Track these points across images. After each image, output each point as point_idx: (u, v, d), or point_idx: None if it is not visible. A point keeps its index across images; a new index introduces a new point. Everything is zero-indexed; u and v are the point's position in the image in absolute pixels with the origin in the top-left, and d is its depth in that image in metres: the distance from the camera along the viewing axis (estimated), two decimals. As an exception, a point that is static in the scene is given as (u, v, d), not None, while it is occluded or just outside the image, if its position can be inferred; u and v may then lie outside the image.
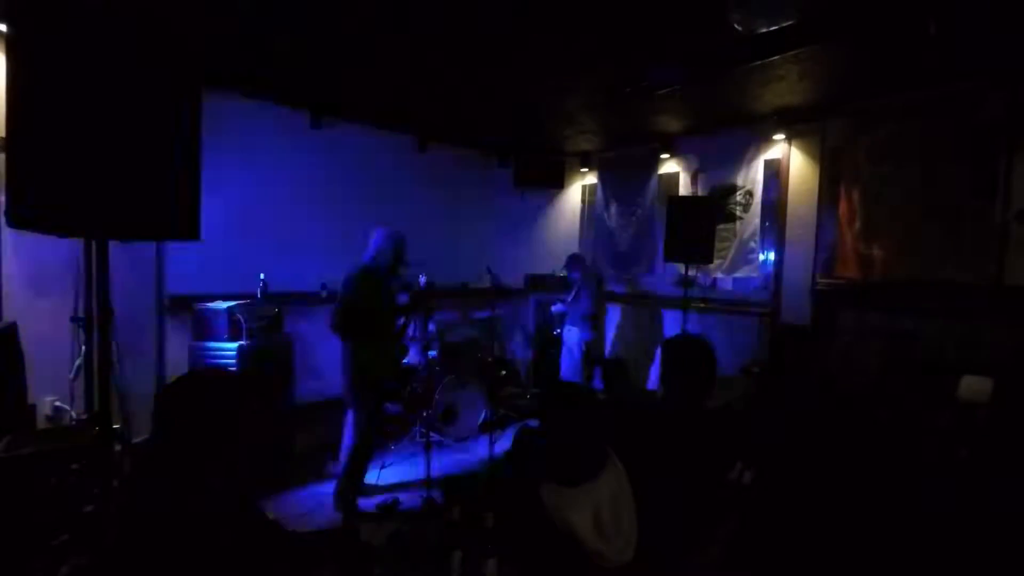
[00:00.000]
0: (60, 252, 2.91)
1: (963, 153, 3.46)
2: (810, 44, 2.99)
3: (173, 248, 3.69)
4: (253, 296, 3.68)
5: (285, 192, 4.42)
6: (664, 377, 1.92)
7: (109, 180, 1.42)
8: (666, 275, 5.37)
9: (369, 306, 2.99)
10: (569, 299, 4.86)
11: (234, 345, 3.19)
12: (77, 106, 1.37)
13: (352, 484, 3.09)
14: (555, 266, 5.34)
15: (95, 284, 1.61)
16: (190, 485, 1.18)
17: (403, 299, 3.44)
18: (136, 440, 2.67)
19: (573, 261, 4.95)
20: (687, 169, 5.18)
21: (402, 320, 3.35)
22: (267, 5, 2.77)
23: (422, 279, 3.44)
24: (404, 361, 4.01)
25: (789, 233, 4.44)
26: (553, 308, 5.12)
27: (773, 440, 2.39)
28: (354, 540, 2.72)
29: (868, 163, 3.89)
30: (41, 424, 2.96)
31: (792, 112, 4.20)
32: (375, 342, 3.04)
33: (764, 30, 2.65)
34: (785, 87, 3.73)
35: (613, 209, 5.69)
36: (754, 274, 4.74)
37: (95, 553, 1.49)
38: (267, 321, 3.46)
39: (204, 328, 3.29)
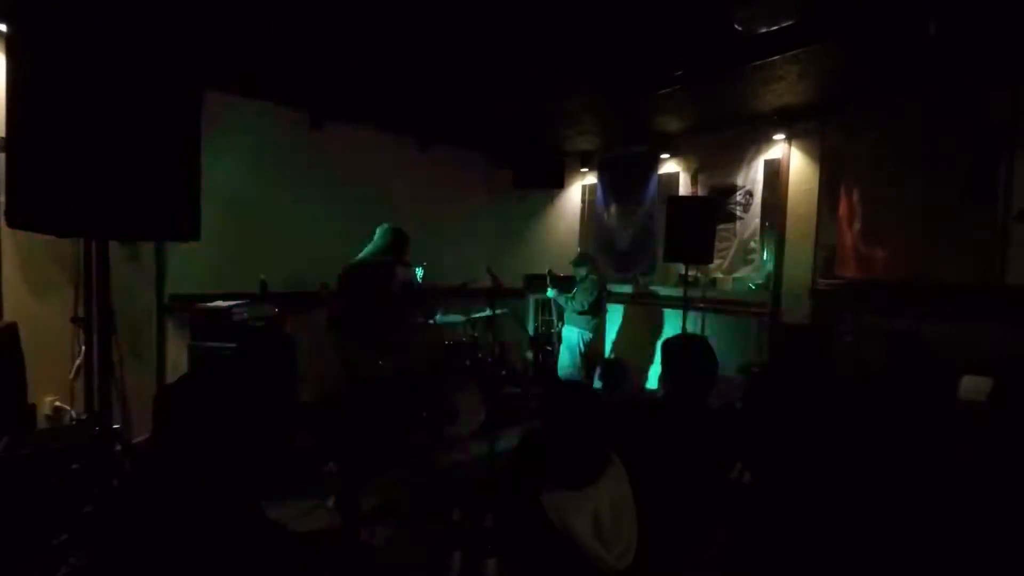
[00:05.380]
0: (60, 252, 2.91)
1: (963, 153, 3.46)
2: (810, 44, 2.99)
3: (173, 248, 3.69)
4: (253, 296, 3.68)
5: (285, 192, 4.42)
6: (664, 377, 1.92)
7: (109, 180, 1.42)
8: (666, 275, 5.38)
9: (366, 303, 2.98)
10: (570, 295, 4.85)
11: (234, 345, 3.18)
12: (77, 106, 1.37)
13: (350, 485, 3.09)
14: (557, 265, 5.33)
15: (95, 284, 1.61)
16: (190, 485, 1.18)
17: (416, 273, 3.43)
18: (136, 440, 2.67)
19: (581, 259, 4.93)
20: (687, 169, 5.17)
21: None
22: (267, 7, 2.77)
23: (418, 271, 3.45)
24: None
25: (789, 233, 4.44)
26: (548, 292, 5.06)
27: (773, 440, 2.39)
28: (354, 540, 2.72)
29: (868, 163, 3.88)
30: (41, 424, 2.96)
31: (792, 112, 4.20)
32: (371, 340, 3.03)
33: (764, 30, 2.65)
34: (785, 87, 3.72)
35: (613, 209, 5.69)
36: (754, 274, 4.74)
37: (95, 553, 1.49)
38: (267, 321, 3.46)
39: (204, 328, 3.28)
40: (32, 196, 1.36)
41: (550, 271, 5.17)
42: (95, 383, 1.65)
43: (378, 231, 3.15)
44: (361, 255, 3.08)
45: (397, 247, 3.12)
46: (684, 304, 4.47)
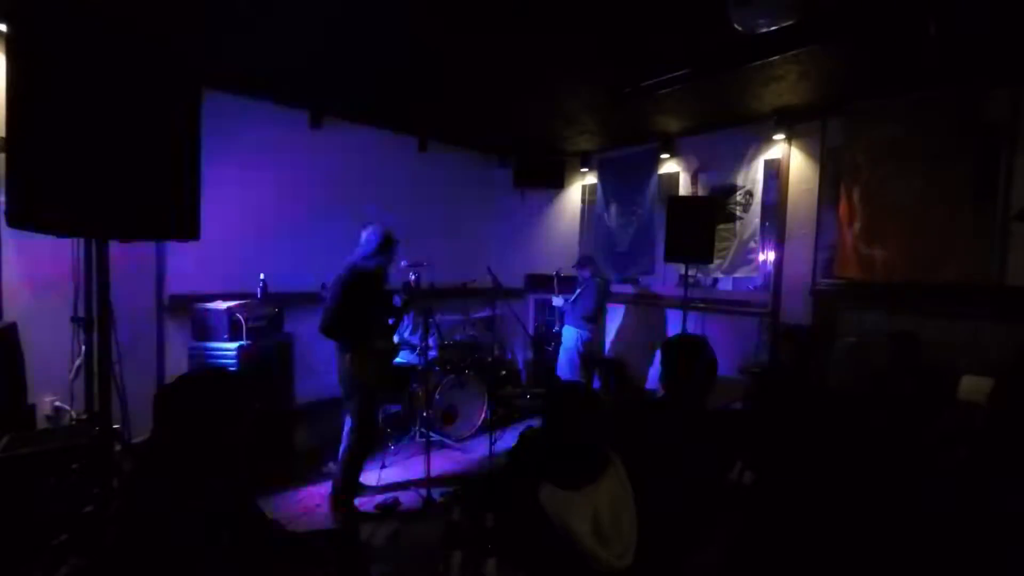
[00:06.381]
0: (60, 252, 2.91)
1: (963, 153, 3.46)
2: (810, 44, 2.99)
3: (173, 248, 3.69)
4: (253, 296, 3.68)
5: (285, 192, 4.42)
6: (663, 377, 1.92)
7: (109, 180, 1.42)
8: (666, 275, 5.38)
9: (358, 307, 2.97)
10: (572, 298, 4.85)
11: (234, 345, 3.18)
12: (77, 106, 1.37)
13: (349, 485, 3.09)
14: (557, 266, 5.34)
15: (95, 284, 1.61)
16: (190, 485, 1.18)
17: (396, 301, 3.42)
18: (136, 440, 2.67)
19: (584, 261, 4.93)
20: (687, 169, 5.18)
21: (392, 320, 3.34)
22: (267, 8, 2.77)
23: (412, 276, 3.44)
24: (399, 360, 4.01)
25: (789, 233, 4.44)
26: (554, 301, 5.08)
27: (773, 440, 2.39)
28: (354, 540, 2.72)
29: (868, 163, 3.88)
30: (41, 424, 2.96)
31: (792, 112, 4.20)
32: (365, 344, 3.02)
33: (764, 30, 2.65)
34: (785, 87, 3.73)
35: (613, 209, 5.69)
36: (754, 274, 4.74)
37: (95, 553, 1.49)
38: (267, 321, 3.46)
39: (204, 328, 3.28)
40: (32, 196, 1.36)
41: (558, 273, 5.18)
42: (95, 383, 1.65)
43: (364, 233, 3.11)
44: (350, 258, 3.06)
45: (386, 249, 3.09)
46: (684, 304, 4.48)
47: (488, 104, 4.47)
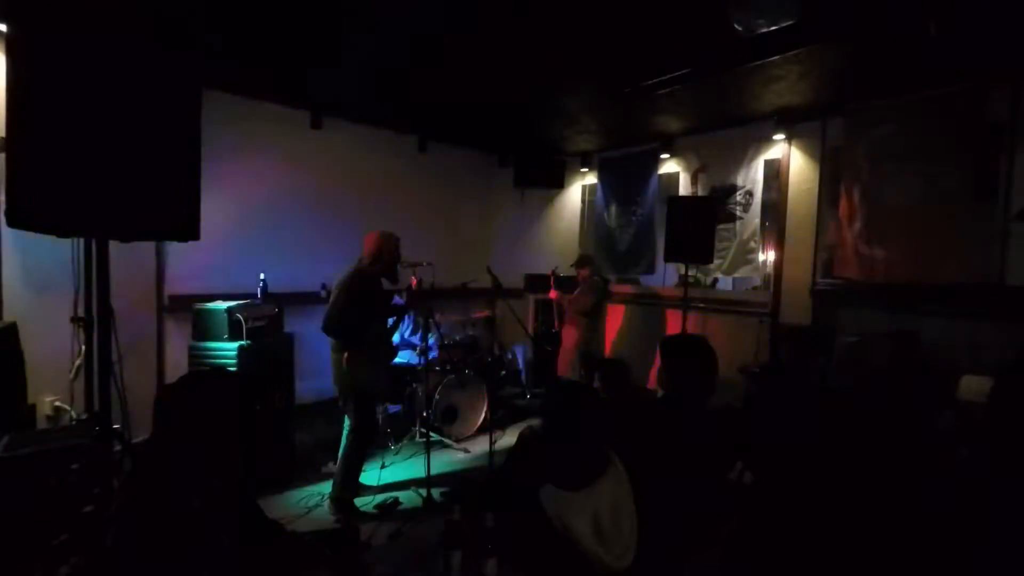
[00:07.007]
0: (60, 252, 2.91)
1: (964, 152, 3.46)
2: (810, 44, 2.99)
3: (173, 248, 3.69)
4: (253, 296, 3.68)
5: (285, 192, 4.42)
6: (663, 377, 1.92)
7: (109, 180, 1.42)
8: (666, 275, 5.38)
9: (359, 309, 2.97)
10: (572, 298, 4.84)
11: (234, 345, 3.18)
12: (77, 106, 1.37)
13: (349, 485, 3.09)
14: (556, 265, 5.33)
15: (95, 284, 1.61)
16: (190, 485, 1.18)
17: (397, 301, 3.43)
18: (136, 440, 2.67)
19: (583, 260, 4.92)
20: (687, 169, 5.18)
21: (392, 321, 3.35)
22: (267, 7, 2.77)
23: (412, 276, 3.45)
24: (399, 360, 4.01)
25: (789, 233, 4.44)
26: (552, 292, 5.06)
27: (773, 440, 2.39)
28: (354, 540, 2.72)
29: (868, 163, 3.88)
30: (41, 424, 2.96)
31: (792, 112, 4.20)
32: (364, 347, 3.03)
33: (764, 30, 2.65)
34: (785, 87, 3.72)
35: (613, 209, 5.69)
36: (754, 274, 4.74)
37: (95, 553, 1.49)
38: (267, 321, 3.46)
39: (204, 328, 3.28)
40: (32, 196, 1.36)
41: (554, 271, 5.16)
42: (95, 383, 1.65)
43: (367, 237, 3.13)
44: (354, 261, 3.07)
45: (389, 252, 3.11)
46: (684, 304, 4.48)
47: (488, 104, 4.46)
